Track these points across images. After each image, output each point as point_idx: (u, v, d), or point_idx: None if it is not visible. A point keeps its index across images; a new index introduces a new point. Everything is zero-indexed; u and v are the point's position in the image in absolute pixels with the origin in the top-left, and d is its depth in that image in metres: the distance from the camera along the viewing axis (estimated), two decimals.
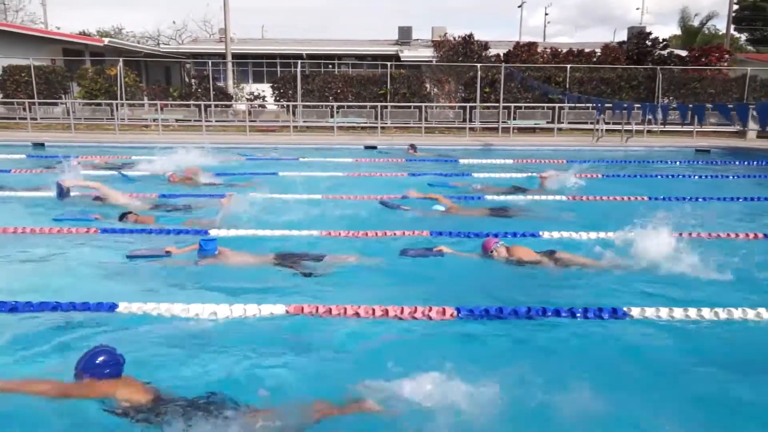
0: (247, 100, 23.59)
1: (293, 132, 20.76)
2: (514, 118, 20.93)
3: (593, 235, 7.14)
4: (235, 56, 27.69)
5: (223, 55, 27.08)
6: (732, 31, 31.94)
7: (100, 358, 3.49)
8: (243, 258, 6.18)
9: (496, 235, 6.62)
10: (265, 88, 24.41)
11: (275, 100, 23.36)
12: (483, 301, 5.07)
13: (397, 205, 8.71)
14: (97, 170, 12.14)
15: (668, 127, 19.89)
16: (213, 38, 44.15)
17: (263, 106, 23.97)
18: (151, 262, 6.23)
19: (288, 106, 22.35)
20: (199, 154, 13.31)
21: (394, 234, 7.19)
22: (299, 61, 23.20)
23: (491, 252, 6.12)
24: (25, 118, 20.89)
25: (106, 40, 28.47)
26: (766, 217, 8.71)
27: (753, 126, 17.42)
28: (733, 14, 30.73)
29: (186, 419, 3.23)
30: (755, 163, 14.29)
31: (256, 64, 31.84)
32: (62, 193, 9.04)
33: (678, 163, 14.59)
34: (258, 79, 30.90)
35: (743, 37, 43.03)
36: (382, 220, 8.02)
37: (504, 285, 5.71)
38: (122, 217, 7.88)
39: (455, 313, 4.79)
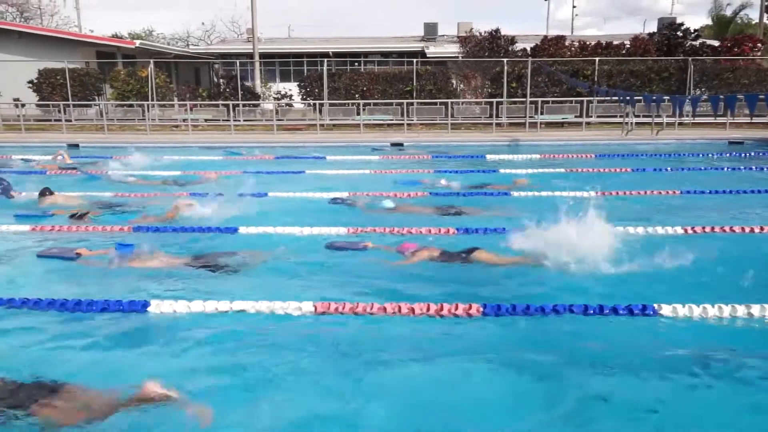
0: (275, 99, 23.84)
1: (320, 130, 20.92)
2: (542, 113, 20.74)
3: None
4: (262, 56, 28.00)
5: (250, 55, 27.39)
6: (765, 21, 31.05)
7: None
8: (160, 260, 6.17)
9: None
10: (292, 87, 24.65)
11: (302, 99, 23.55)
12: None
13: (343, 201, 8.98)
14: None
15: (700, 119, 19.50)
16: (241, 38, 44.67)
17: (290, 105, 24.20)
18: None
19: (315, 104, 22.52)
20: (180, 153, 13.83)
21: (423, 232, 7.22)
22: (325, 60, 23.34)
23: (406, 256, 6.13)
24: (60, 120, 21.46)
25: (138, 42, 29.08)
26: None
27: None
28: (766, 3, 29.88)
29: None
30: None
31: (283, 63, 32.14)
32: (5, 190, 9.32)
33: (710, 155, 14.32)
34: (285, 78, 31.21)
35: None
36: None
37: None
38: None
39: (481, 309, 4.82)
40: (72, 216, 7.95)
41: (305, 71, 27.39)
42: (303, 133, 20.74)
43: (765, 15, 30.06)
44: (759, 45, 23.43)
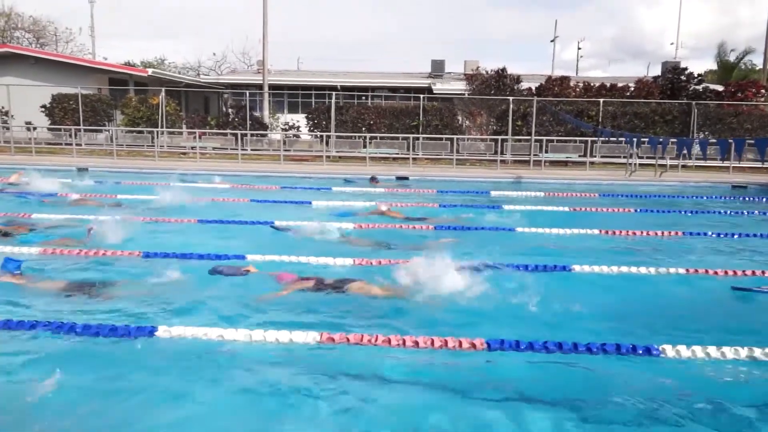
0: (282, 129, 24.16)
1: (326, 162, 21.12)
2: (546, 152, 20.95)
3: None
4: (271, 87, 28.47)
5: (260, 86, 27.86)
6: None
7: None
8: (46, 284, 6.25)
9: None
10: (299, 118, 24.99)
11: (309, 130, 23.85)
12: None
13: (286, 229, 9.12)
14: None
15: (703, 162, 19.67)
16: (251, 69, 45.41)
17: (297, 136, 24.52)
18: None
19: (322, 136, 22.79)
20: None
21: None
22: (333, 93, 23.69)
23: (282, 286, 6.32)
24: (71, 144, 21.73)
25: (150, 71, 29.58)
26: None
27: None
28: None
29: None
30: None
31: (292, 95, 32.63)
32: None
33: (714, 198, 14.39)
34: (293, 109, 31.64)
35: None
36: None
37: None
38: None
39: (485, 346, 4.83)
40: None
41: (313, 103, 27.79)
42: (309, 164, 20.93)
43: None
44: (762, 91, 23.75)
